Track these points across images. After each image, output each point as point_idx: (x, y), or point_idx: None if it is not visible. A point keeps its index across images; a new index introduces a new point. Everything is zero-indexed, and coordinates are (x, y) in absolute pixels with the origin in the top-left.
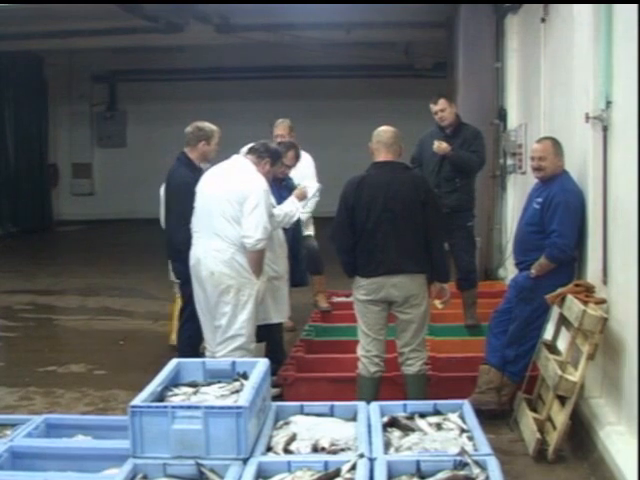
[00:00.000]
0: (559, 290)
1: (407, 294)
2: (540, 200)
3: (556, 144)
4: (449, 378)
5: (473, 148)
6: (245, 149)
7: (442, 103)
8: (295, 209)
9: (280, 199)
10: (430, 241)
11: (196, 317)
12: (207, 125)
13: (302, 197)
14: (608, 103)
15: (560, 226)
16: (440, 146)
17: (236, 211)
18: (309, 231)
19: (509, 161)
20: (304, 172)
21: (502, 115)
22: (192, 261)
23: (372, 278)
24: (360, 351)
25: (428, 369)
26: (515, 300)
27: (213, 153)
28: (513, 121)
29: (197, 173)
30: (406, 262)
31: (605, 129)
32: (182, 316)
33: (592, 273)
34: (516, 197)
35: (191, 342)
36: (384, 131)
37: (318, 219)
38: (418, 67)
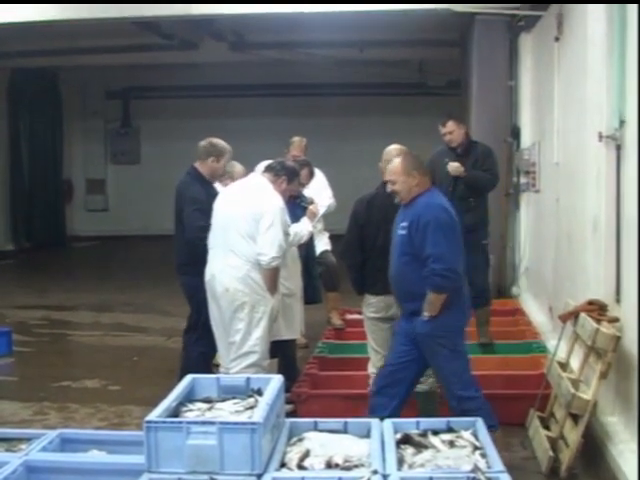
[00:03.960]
0: (572, 308)
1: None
2: (405, 224)
3: (406, 162)
4: None
5: (485, 167)
6: (261, 166)
7: (450, 126)
8: (306, 230)
9: (293, 217)
10: None
11: (210, 332)
12: (220, 143)
13: (313, 216)
14: (621, 122)
15: (435, 249)
16: (455, 168)
17: (252, 228)
18: (327, 246)
19: (522, 179)
20: (317, 189)
21: (515, 133)
22: (207, 277)
23: (381, 296)
24: (371, 368)
25: (439, 386)
26: (424, 351)
27: (221, 171)
28: (526, 139)
29: (207, 187)
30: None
31: (618, 148)
32: (190, 331)
33: (605, 292)
34: (529, 215)
35: (204, 358)
36: (391, 150)
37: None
38: (431, 85)
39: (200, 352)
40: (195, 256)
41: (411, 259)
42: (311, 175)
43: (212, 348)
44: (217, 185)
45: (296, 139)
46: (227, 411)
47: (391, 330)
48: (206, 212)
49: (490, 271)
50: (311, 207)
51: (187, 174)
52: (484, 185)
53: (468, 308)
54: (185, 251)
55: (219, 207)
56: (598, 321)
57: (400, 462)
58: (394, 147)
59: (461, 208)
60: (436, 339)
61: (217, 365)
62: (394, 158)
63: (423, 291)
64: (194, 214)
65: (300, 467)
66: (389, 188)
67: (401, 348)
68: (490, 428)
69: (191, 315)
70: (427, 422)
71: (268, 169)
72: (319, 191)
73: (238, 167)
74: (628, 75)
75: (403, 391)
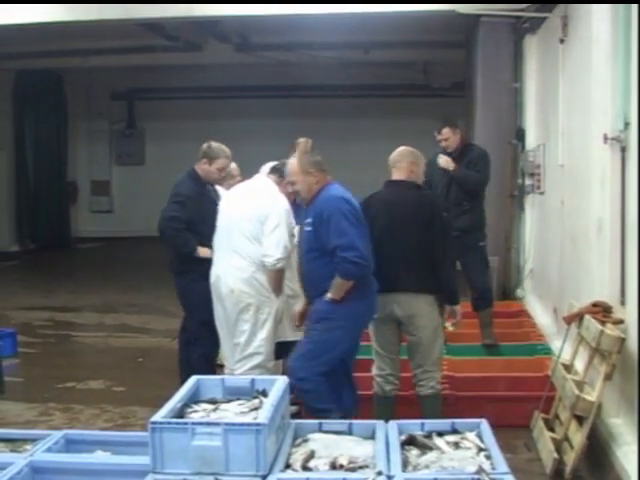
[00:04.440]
0: (576, 310)
1: (410, 313)
2: (310, 220)
3: (303, 161)
4: (467, 397)
5: (477, 168)
6: (265, 167)
7: (446, 133)
8: None
9: (297, 218)
10: (436, 262)
11: (210, 332)
12: (217, 147)
13: None
14: (626, 124)
15: (341, 239)
16: (445, 161)
17: (257, 230)
18: None
19: (527, 181)
20: None
21: (520, 135)
22: (212, 278)
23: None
24: (375, 370)
25: (443, 388)
26: (310, 326)
27: (215, 175)
28: (531, 141)
29: (200, 187)
30: (408, 280)
31: (623, 150)
32: (184, 332)
33: (610, 294)
34: (534, 217)
35: (206, 359)
36: (396, 151)
37: None
38: (436, 86)
39: (201, 353)
40: (180, 254)
41: (319, 255)
42: None
43: (213, 348)
44: (219, 188)
45: (302, 140)
46: (232, 412)
47: (393, 331)
48: (191, 208)
49: (490, 272)
50: None
51: (186, 173)
52: (473, 183)
53: (373, 306)
54: (172, 249)
55: (224, 208)
56: (603, 323)
57: (405, 463)
58: (399, 148)
59: (456, 212)
60: (327, 321)
61: (221, 365)
62: (292, 158)
63: (329, 287)
64: (171, 205)
65: (305, 468)
66: (290, 189)
67: None
68: (317, 412)
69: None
70: (432, 423)
71: (273, 170)
72: None
73: (232, 166)
74: (633, 77)
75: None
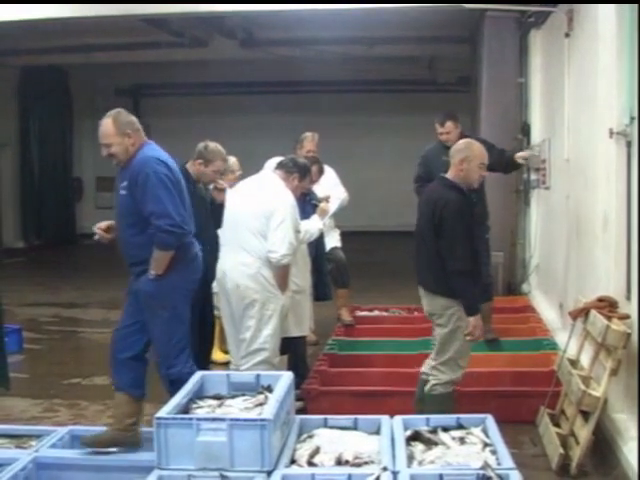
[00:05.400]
0: (582, 305)
1: (428, 310)
2: (125, 184)
3: (119, 122)
4: (472, 393)
5: None
6: (271, 163)
7: (449, 126)
8: (316, 228)
9: (303, 214)
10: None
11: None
12: (215, 149)
13: (324, 214)
14: (632, 119)
15: (157, 205)
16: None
17: (262, 225)
18: (337, 243)
19: (532, 176)
20: (327, 186)
21: (526, 130)
22: (218, 274)
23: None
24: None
25: (445, 393)
26: (144, 312)
27: (209, 177)
28: (537, 136)
29: (190, 186)
30: (427, 279)
31: (629, 144)
32: None
33: (615, 288)
34: (540, 212)
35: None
36: (457, 143)
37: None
38: (441, 82)
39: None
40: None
41: (136, 220)
42: (320, 172)
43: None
44: (223, 182)
45: (309, 134)
46: (237, 408)
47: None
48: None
49: (492, 266)
50: (322, 205)
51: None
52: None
53: (198, 268)
54: None
55: (230, 204)
56: (608, 318)
57: (410, 459)
58: (462, 142)
59: None
60: (159, 299)
61: (213, 362)
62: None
63: (149, 253)
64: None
65: (310, 464)
66: (104, 153)
67: (130, 309)
68: None
69: None
70: (437, 419)
71: (280, 166)
72: (330, 188)
73: (232, 160)
74: (638, 71)
75: (139, 354)
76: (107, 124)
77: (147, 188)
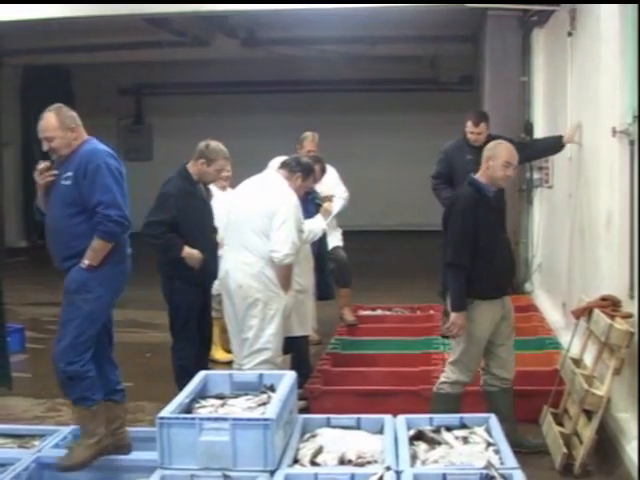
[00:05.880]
0: (585, 304)
1: (447, 309)
2: (70, 174)
3: (60, 114)
4: (475, 392)
5: None
6: (274, 163)
7: (482, 128)
8: (320, 228)
9: (306, 213)
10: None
11: (191, 345)
12: (216, 148)
13: (328, 214)
14: (634, 118)
15: (106, 195)
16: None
17: (265, 225)
18: (339, 242)
19: (535, 175)
20: (329, 185)
21: (528, 129)
22: (221, 273)
23: None
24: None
25: (445, 392)
26: (64, 301)
27: (211, 177)
28: (539, 135)
29: (191, 187)
30: (445, 279)
31: (632, 143)
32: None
33: (619, 287)
34: (542, 211)
35: (186, 371)
36: (496, 144)
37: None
38: (444, 81)
39: (179, 365)
40: (161, 254)
41: (79, 210)
42: (323, 171)
43: (191, 359)
44: (212, 187)
45: (309, 134)
46: (240, 407)
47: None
48: (179, 208)
49: None
50: (325, 205)
51: (176, 171)
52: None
53: (127, 269)
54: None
55: (233, 203)
56: (611, 317)
57: (413, 458)
58: (491, 143)
59: None
60: (85, 291)
61: (216, 361)
62: (46, 113)
63: (84, 247)
64: (152, 210)
65: (313, 463)
66: (44, 147)
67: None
68: (80, 401)
69: None
70: (440, 418)
71: (283, 165)
72: (332, 187)
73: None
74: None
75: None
76: (49, 118)
77: (97, 178)
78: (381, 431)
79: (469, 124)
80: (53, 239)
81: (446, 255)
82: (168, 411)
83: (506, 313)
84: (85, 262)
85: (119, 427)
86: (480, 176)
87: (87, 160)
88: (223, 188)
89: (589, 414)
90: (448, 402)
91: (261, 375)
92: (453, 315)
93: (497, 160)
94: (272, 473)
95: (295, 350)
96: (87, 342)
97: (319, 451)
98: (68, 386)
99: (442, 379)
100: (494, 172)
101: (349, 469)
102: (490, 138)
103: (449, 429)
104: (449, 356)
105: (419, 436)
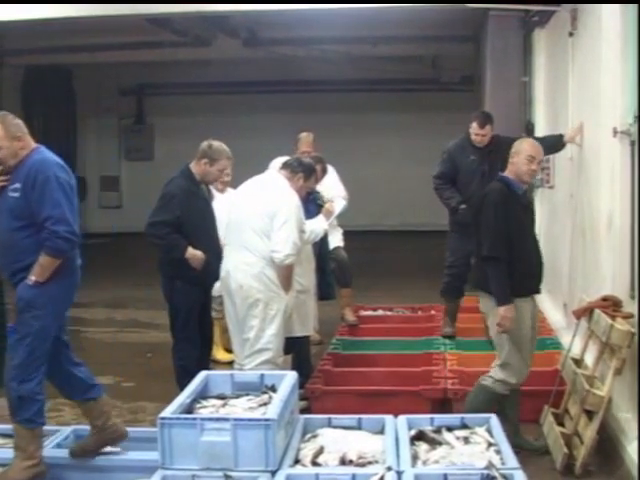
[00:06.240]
0: (586, 304)
1: (482, 309)
2: (18, 186)
3: (5, 123)
4: None
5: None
6: (275, 163)
7: (487, 130)
8: (321, 228)
9: (307, 213)
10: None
11: (192, 345)
12: (219, 147)
13: (329, 215)
14: (635, 118)
15: (55, 210)
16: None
17: (266, 225)
18: (339, 242)
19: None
20: (329, 184)
21: (529, 129)
22: (222, 274)
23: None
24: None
25: (491, 388)
26: (18, 317)
27: (213, 176)
28: (540, 135)
29: (194, 187)
30: (477, 277)
31: (633, 143)
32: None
33: (620, 288)
34: (544, 211)
35: (187, 372)
36: (522, 142)
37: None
38: (445, 81)
39: (180, 365)
40: (163, 255)
41: (27, 223)
42: (324, 171)
43: (193, 360)
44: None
45: (303, 135)
46: (241, 407)
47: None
48: (182, 208)
49: None
50: (327, 205)
51: (179, 171)
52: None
53: (76, 283)
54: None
55: (234, 203)
56: (612, 317)
57: (414, 459)
58: (522, 139)
59: None
60: (33, 308)
61: (217, 361)
62: None
63: (31, 261)
64: (155, 210)
65: (314, 464)
66: None
67: None
68: (25, 423)
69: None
70: (441, 418)
71: (285, 166)
72: (332, 187)
73: None
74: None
75: (52, 369)
76: None
77: (46, 191)
78: (382, 431)
79: (474, 125)
80: (1, 252)
81: (481, 250)
82: (169, 411)
83: (535, 313)
84: (32, 278)
85: (106, 421)
86: (508, 173)
87: (36, 171)
88: (222, 191)
89: (590, 414)
90: (485, 395)
91: (262, 375)
92: (501, 309)
93: (521, 155)
94: (273, 473)
95: (296, 350)
96: (40, 359)
97: (320, 451)
98: (17, 406)
99: (490, 373)
100: (519, 167)
101: (350, 469)
102: (494, 139)
103: (450, 429)
104: (496, 358)
105: (420, 436)
